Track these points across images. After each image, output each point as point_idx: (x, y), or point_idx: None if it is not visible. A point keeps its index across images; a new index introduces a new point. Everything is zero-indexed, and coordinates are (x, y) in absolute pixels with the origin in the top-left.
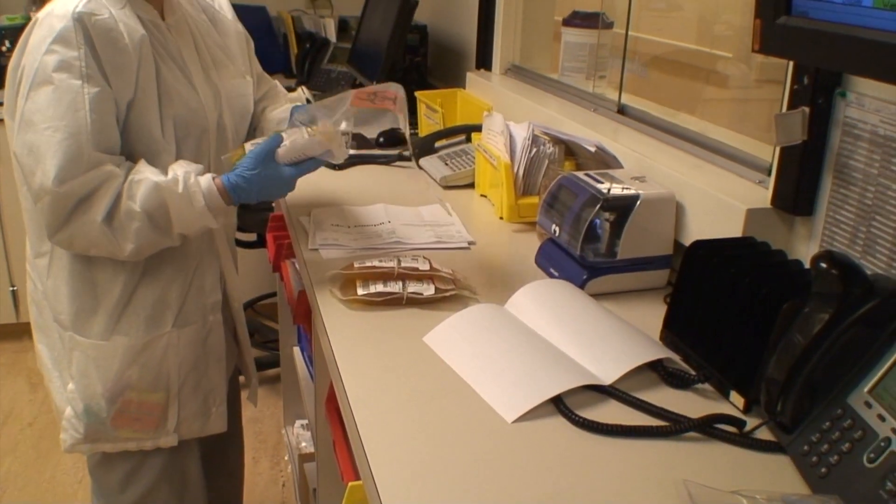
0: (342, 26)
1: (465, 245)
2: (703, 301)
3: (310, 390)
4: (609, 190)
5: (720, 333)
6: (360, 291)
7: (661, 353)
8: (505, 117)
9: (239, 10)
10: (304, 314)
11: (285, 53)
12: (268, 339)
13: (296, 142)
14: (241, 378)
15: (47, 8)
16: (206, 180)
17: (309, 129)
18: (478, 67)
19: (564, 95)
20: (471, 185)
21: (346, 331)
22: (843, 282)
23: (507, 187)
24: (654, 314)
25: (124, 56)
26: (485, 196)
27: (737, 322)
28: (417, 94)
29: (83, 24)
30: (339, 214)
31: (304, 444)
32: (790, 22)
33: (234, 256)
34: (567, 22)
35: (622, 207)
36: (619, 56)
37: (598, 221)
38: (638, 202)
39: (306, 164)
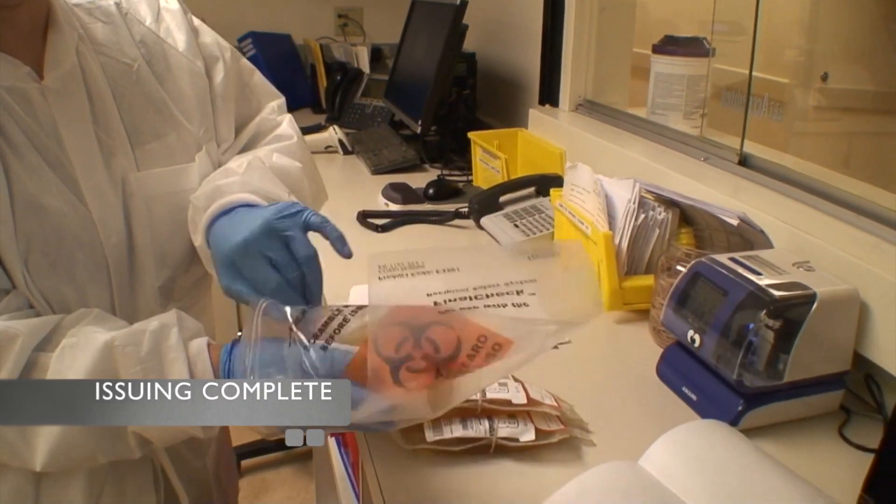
0: (375, 56)
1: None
2: None
3: (348, 498)
4: (773, 286)
5: None
6: (431, 436)
7: None
8: (581, 165)
9: (262, 38)
10: (352, 444)
11: (313, 86)
12: None
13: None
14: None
15: None
16: (197, 344)
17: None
18: (541, 103)
19: (658, 139)
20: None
21: (408, 496)
22: None
23: (607, 266)
24: (827, 457)
25: None
26: None
27: None
28: (472, 135)
29: None
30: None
31: None
32: None
33: None
34: (659, 49)
35: (794, 311)
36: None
37: (753, 326)
38: (815, 303)
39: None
